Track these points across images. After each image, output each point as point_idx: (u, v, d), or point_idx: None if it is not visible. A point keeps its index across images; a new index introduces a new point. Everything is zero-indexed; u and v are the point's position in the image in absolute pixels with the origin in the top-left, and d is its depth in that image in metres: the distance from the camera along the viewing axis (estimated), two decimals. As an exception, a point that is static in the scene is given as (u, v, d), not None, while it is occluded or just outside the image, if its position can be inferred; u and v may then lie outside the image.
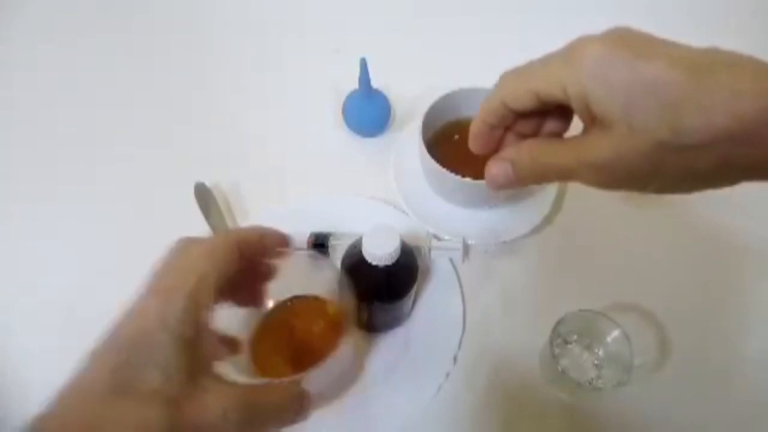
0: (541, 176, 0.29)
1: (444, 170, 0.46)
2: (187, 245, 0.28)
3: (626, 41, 0.24)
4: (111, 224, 0.53)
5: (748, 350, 0.46)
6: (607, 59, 0.24)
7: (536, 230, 0.51)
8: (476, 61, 0.64)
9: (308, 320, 0.41)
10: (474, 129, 0.31)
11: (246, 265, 0.30)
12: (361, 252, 0.37)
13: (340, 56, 0.65)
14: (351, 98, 0.57)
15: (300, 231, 0.48)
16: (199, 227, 0.50)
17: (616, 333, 0.42)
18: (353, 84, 0.54)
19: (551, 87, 0.26)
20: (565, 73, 0.25)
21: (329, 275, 0.38)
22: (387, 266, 0.37)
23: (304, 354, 0.38)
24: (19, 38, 0.70)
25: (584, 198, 0.53)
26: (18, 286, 0.50)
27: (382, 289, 0.40)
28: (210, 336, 0.27)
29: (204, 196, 0.52)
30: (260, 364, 0.38)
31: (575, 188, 0.54)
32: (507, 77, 0.29)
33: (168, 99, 0.63)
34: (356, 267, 0.39)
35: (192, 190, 0.52)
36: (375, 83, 0.55)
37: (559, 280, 0.50)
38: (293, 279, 0.38)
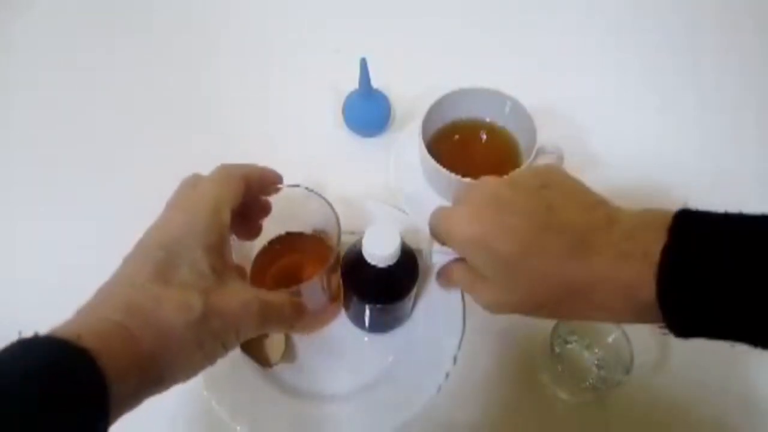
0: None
1: (444, 170, 0.46)
2: (198, 177, 0.33)
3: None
4: (110, 225, 0.53)
5: (750, 351, 0.46)
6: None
7: (536, 230, 0.51)
8: (476, 61, 0.64)
9: (300, 254, 0.47)
10: None
11: (248, 199, 0.33)
12: (361, 252, 0.37)
13: (340, 56, 0.65)
14: (351, 98, 0.57)
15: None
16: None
17: (616, 333, 0.42)
18: (353, 84, 0.54)
19: None
20: None
21: (320, 209, 0.41)
22: (387, 267, 0.37)
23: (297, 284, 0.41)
24: (22, 39, 0.70)
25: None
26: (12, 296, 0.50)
27: (382, 289, 0.40)
28: (230, 249, 0.31)
29: None
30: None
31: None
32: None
33: (168, 100, 0.63)
34: (356, 267, 0.39)
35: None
36: (375, 83, 0.55)
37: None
38: (287, 213, 0.42)
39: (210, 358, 0.29)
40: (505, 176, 0.33)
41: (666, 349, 0.46)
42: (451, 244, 0.33)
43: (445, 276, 0.37)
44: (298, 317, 0.34)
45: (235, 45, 0.69)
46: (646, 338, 0.46)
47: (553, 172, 0.32)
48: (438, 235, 0.34)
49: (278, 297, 0.32)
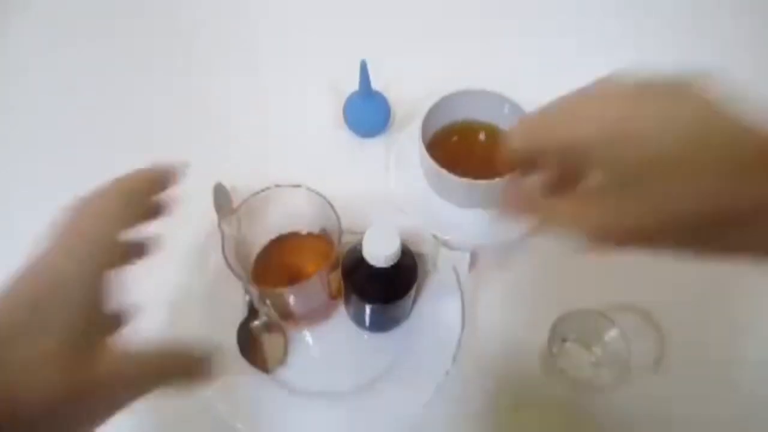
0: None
1: (444, 171, 0.46)
2: (84, 205, 0.29)
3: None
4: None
5: (748, 350, 0.46)
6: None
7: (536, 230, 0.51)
8: (476, 63, 0.64)
9: (301, 253, 0.47)
10: None
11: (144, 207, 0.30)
12: (361, 253, 0.38)
13: (341, 58, 0.65)
14: (351, 100, 0.57)
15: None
16: (198, 229, 0.51)
17: (613, 332, 0.42)
18: (354, 86, 0.55)
19: None
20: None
21: (321, 209, 0.41)
22: (387, 267, 0.38)
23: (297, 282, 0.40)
24: (18, 39, 0.70)
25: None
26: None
27: (381, 289, 0.40)
28: (109, 297, 0.27)
29: (220, 197, 0.52)
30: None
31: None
32: None
33: (167, 101, 0.63)
34: (356, 267, 0.39)
35: (192, 191, 0.51)
36: (375, 85, 0.55)
37: (558, 279, 0.50)
38: (289, 213, 0.43)
39: (93, 426, 0.25)
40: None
41: (665, 349, 0.46)
42: (574, 140, 0.25)
43: (523, 200, 0.29)
44: (203, 373, 0.29)
45: (235, 46, 0.69)
46: (645, 338, 0.46)
47: (688, 88, 0.25)
48: (551, 129, 0.26)
49: (174, 360, 0.28)
